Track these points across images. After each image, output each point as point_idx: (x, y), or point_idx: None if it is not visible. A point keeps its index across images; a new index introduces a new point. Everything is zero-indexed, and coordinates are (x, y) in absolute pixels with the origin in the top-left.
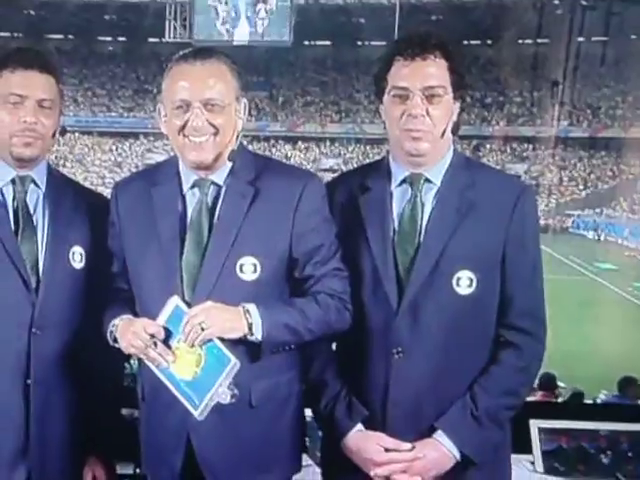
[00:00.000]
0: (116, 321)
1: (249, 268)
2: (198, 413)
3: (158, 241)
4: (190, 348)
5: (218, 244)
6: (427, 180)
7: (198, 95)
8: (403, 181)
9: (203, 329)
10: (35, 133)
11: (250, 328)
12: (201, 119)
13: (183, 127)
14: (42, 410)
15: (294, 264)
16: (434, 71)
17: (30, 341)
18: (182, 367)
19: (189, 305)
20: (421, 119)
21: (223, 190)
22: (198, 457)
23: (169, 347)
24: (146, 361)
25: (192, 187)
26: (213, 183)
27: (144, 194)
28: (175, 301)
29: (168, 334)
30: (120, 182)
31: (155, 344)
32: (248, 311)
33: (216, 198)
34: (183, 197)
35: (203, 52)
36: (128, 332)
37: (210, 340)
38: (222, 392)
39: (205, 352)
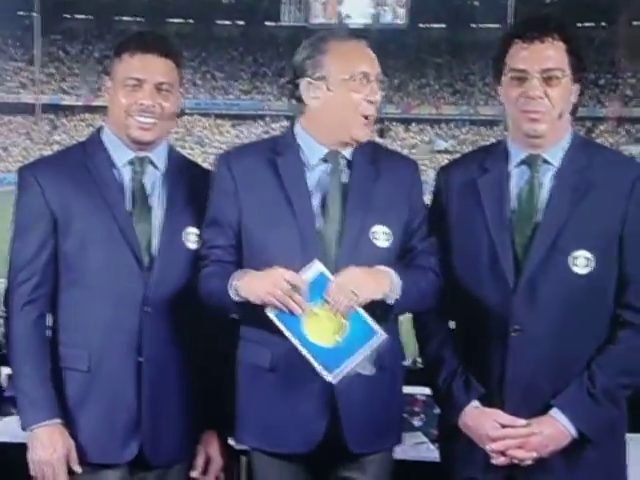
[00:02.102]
0: (237, 275)
1: (382, 236)
2: (332, 377)
3: (291, 211)
4: (332, 315)
5: (354, 211)
6: (545, 161)
7: (374, 68)
8: (521, 162)
9: (356, 295)
10: (153, 116)
11: (391, 289)
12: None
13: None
14: (153, 387)
15: (406, 238)
16: (552, 54)
17: (142, 319)
18: (320, 332)
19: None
20: (539, 101)
21: (353, 164)
22: (344, 421)
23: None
24: (276, 319)
25: (323, 161)
26: (345, 158)
27: (266, 164)
28: (318, 267)
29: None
30: (231, 153)
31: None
32: (390, 274)
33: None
34: (306, 168)
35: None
36: (264, 281)
37: (354, 310)
38: (364, 363)
39: (350, 321)
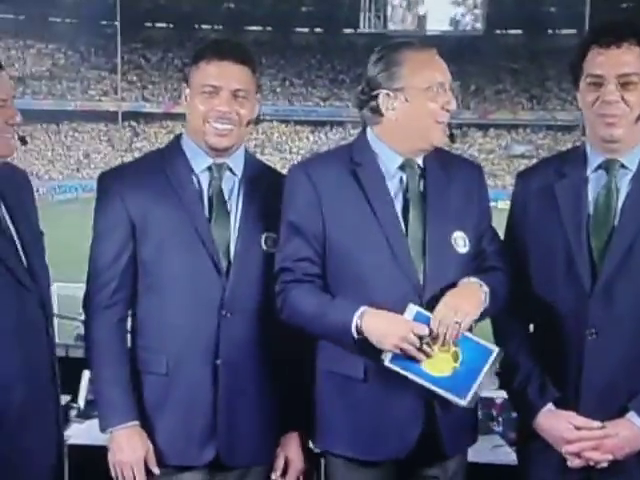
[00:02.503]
0: (359, 314)
1: (461, 242)
2: (467, 402)
3: (377, 221)
4: (442, 347)
5: (435, 220)
6: (622, 165)
7: (446, 77)
8: (599, 167)
9: (459, 324)
10: (230, 122)
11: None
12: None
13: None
14: (230, 391)
15: (478, 239)
16: (629, 59)
17: (220, 323)
18: (438, 365)
19: (423, 287)
20: (616, 105)
21: (427, 171)
22: (441, 424)
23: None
24: (393, 366)
25: (400, 169)
26: (418, 166)
27: (347, 173)
28: (414, 308)
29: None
30: (308, 163)
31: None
32: (481, 285)
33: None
34: (385, 177)
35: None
36: (393, 330)
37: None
38: (487, 380)
39: (461, 347)
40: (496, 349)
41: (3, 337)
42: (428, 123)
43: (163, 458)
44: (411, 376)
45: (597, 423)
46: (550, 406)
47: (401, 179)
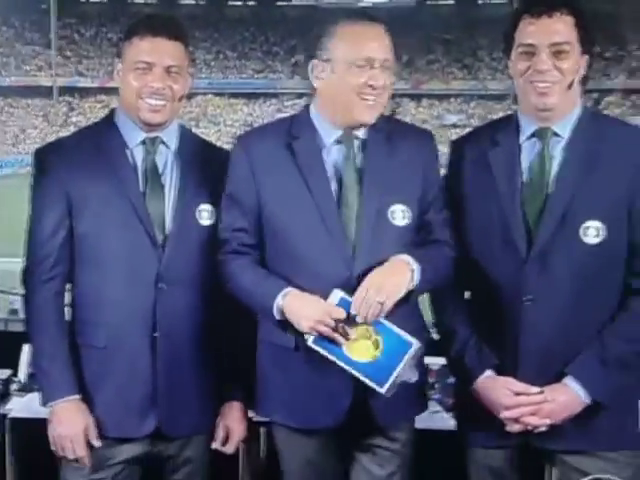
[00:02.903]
0: (281, 295)
1: (400, 214)
2: (385, 390)
3: (310, 194)
4: (365, 333)
5: (370, 194)
6: (555, 133)
7: (379, 54)
8: (532, 135)
9: (381, 303)
10: (163, 98)
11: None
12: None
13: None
14: (169, 362)
15: (422, 210)
16: (560, 28)
17: (157, 296)
18: (360, 351)
19: (353, 260)
20: (548, 73)
21: (368, 145)
22: (370, 395)
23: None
24: (316, 346)
25: (337, 142)
26: (358, 138)
27: (282, 148)
28: (339, 294)
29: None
30: (249, 136)
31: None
32: (408, 263)
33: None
34: (322, 150)
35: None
36: (310, 317)
37: (381, 324)
38: (408, 372)
39: (383, 337)
40: (415, 343)
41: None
42: (351, 98)
43: (103, 430)
44: (332, 358)
45: (535, 389)
46: (489, 372)
47: (340, 153)
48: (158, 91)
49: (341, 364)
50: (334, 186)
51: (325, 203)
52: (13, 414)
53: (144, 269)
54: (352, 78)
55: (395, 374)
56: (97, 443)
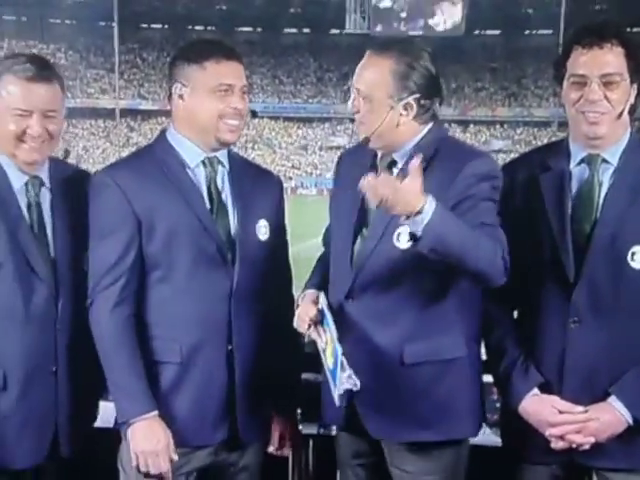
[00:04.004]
0: (302, 294)
1: (405, 237)
2: (336, 398)
3: (346, 210)
4: (330, 339)
5: (381, 214)
6: (604, 160)
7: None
8: (581, 161)
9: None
10: (239, 118)
11: (421, 210)
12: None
13: None
14: (244, 373)
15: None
16: (611, 59)
17: (230, 310)
18: (329, 355)
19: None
20: (598, 104)
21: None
22: (358, 408)
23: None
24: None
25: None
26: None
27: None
28: (322, 301)
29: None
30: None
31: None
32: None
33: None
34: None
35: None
36: (296, 313)
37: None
38: (346, 381)
39: (334, 346)
40: (340, 356)
41: (7, 320)
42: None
43: (179, 441)
44: (322, 361)
45: (580, 408)
46: (535, 391)
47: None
48: (240, 112)
49: (324, 367)
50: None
51: (349, 218)
52: None
53: (217, 285)
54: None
55: (337, 383)
56: (176, 457)
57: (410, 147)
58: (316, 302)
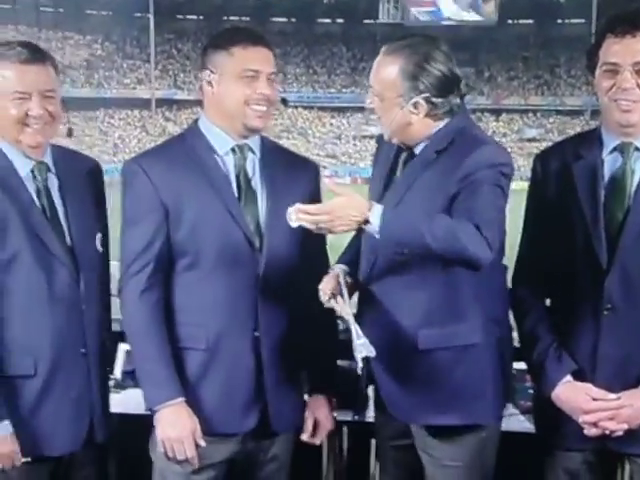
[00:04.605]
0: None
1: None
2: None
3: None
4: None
5: (388, 200)
6: (637, 148)
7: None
8: (614, 149)
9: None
10: (268, 104)
11: (367, 220)
12: None
13: None
14: (272, 360)
15: None
16: None
17: (257, 297)
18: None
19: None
20: (631, 91)
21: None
22: (380, 392)
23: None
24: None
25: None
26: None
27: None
28: (341, 277)
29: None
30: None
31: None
32: (372, 204)
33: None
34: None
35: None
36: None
37: None
38: (363, 349)
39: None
40: (354, 324)
41: (32, 304)
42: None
43: (207, 428)
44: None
45: (613, 395)
46: (568, 378)
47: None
48: (266, 98)
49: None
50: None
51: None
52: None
53: (245, 272)
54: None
55: (355, 341)
56: (202, 443)
57: (426, 141)
58: (338, 276)
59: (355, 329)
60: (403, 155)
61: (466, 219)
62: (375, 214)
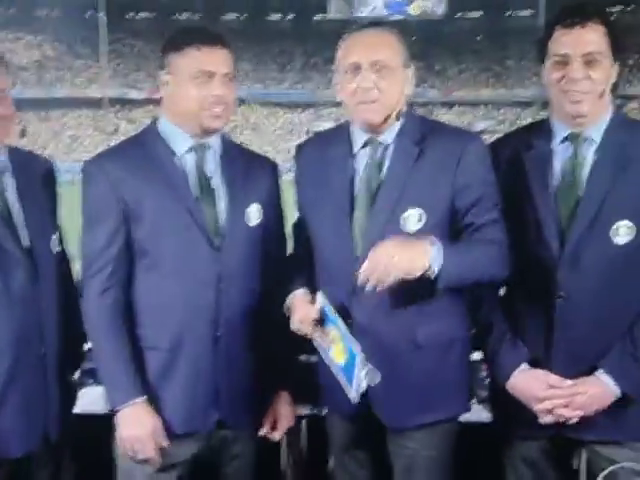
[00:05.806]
0: (291, 296)
1: (413, 218)
2: (353, 396)
3: (331, 197)
4: (337, 337)
5: (385, 198)
6: (587, 138)
7: (367, 57)
8: (564, 139)
9: (388, 272)
10: (222, 105)
11: (432, 259)
12: (369, 80)
13: (354, 91)
14: (231, 360)
15: (456, 215)
16: (593, 38)
17: (218, 297)
18: (337, 353)
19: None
20: (581, 82)
21: (391, 149)
22: (370, 398)
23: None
24: (317, 345)
25: (363, 147)
26: (381, 143)
27: (320, 154)
28: (322, 300)
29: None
30: (301, 143)
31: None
32: (428, 242)
33: (384, 157)
34: (354, 156)
35: (374, 24)
36: (296, 317)
37: (339, 327)
38: (369, 377)
39: (344, 344)
40: (359, 353)
41: None
42: (349, 103)
43: (171, 428)
44: (325, 358)
45: (568, 382)
46: (524, 366)
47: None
48: (220, 99)
49: (330, 365)
50: (358, 189)
51: (341, 206)
52: None
53: (205, 271)
54: (347, 84)
55: (354, 381)
56: (165, 443)
57: (397, 128)
58: (312, 302)
59: (361, 357)
60: (367, 150)
61: (489, 240)
62: (437, 254)
